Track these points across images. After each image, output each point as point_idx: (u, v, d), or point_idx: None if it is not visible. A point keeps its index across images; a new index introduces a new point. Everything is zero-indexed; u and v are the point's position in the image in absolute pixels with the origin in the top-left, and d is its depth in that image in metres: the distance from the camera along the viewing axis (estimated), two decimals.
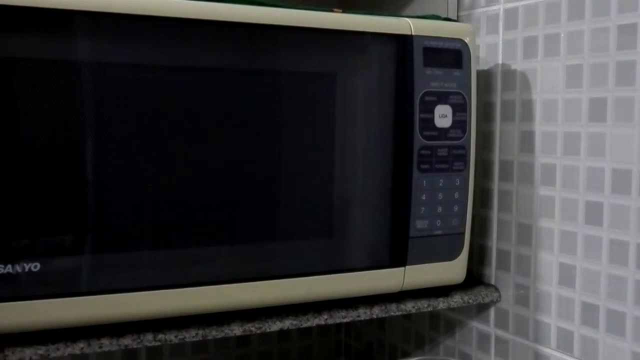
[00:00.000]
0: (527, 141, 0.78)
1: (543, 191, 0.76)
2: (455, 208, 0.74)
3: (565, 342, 0.74)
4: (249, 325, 0.66)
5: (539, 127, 0.76)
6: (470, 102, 0.74)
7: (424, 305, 0.75)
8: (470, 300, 0.78)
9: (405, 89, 0.71)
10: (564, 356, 0.74)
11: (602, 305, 0.70)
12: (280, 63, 0.65)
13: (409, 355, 0.98)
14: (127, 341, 0.61)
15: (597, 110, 0.70)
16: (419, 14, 0.80)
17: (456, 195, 0.74)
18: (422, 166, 0.72)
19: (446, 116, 0.73)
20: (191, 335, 0.64)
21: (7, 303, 0.57)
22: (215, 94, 0.63)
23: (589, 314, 0.71)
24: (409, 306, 0.75)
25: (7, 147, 0.55)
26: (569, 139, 0.73)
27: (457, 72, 0.73)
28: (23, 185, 0.56)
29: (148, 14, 0.60)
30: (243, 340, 1.06)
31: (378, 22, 0.70)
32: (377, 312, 0.73)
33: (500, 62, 0.81)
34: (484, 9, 0.83)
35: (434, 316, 0.93)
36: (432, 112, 0.72)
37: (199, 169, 0.63)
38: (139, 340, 0.62)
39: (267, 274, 0.67)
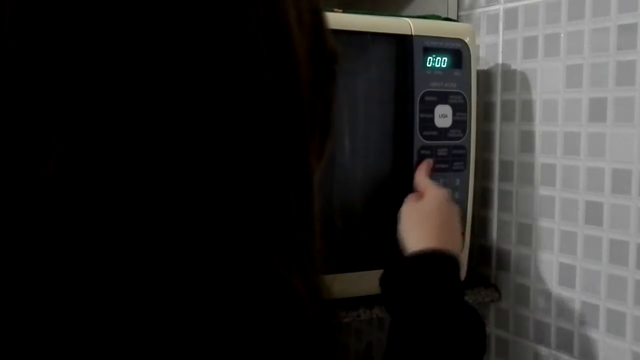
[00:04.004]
0: (527, 141, 0.78)
1: (543, 191, 0.76)
2: None
3: (565, 342, 0.74)
4: None
5: (539, 127, 0.76)
6: (470, 102, 0.74)
7: None
8: (470, 300, 0.78)
9: (405, 89, 0.71)
10: (564, 356, 0.74)
11: (602, 305, 0.70)
12: None
13: None
14: None
15: (597, 110, 0.70)
16: (419, 14, 0.80)
17: (456, 195, 0.74)
18: None
19: (446, 116, 0.73)
20: None
21: None
22: None
23: (589, 314, 0.71)
24: None
25: None
26: (569, 139, 0.73)
27: (457, 72, 0.73)
28: None
29: None
30: None
31: (378, 22, 0.70)
32: (377, 312, 0.73)
33: (500, 62, 0.81)
34: (484, 9, 0.83)
35: None
36: (432, 112, 0.72)
37: None
38: None
39: None
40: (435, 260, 0.60)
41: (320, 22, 0.31)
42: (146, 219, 0.25)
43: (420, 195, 0.67)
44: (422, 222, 0.63)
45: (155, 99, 0.25)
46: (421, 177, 0.69)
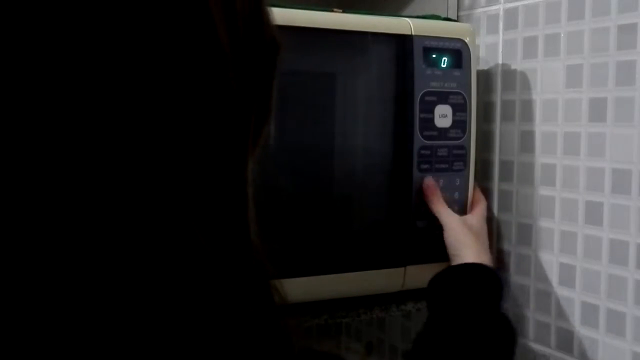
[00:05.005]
0: (527, 141, 0.78)
1: (543, 191, 0.76)
2: (455, 208, 0.74)
3: (565, 342, 0.74)
4: None
5: (539, 127, 0.76)
6: (470, 102, 0.74)
7: (424, 305, 0.75)
8: None
9: (405, 89, 0.71)
10: (564, 356, 0.74)
11: (602, 305, 0.70)
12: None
13: None
14: None
15: (597, 110, 0.70)
16: (419, 14, 0.80)
17: (456, 195, 0.74)
18: (422, 166, 0.72)
19: (446, 116, 0.73)
20: None
21: None
22: None
23: (589, 314, 0.71)
24: (409, 306, 0.75)
25: None
26: (569, 139, 0.73)
27: (457, 72, 0.73)
28: None
29: None
30: None
31: (378, 22, 0.70)
32: (377, 312, 0.73)
33: (500, 62, 0.81)
34: (484, 9, 0.83)
35: None
36: (432, 112, 0.72)
37: None
38: None
39: None
40: (486, 273, 0.68)
41: (257, 11, 0.31)
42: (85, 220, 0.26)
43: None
44: (476, 239, 0.71)
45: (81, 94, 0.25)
46: (440, 205, 0.73)
